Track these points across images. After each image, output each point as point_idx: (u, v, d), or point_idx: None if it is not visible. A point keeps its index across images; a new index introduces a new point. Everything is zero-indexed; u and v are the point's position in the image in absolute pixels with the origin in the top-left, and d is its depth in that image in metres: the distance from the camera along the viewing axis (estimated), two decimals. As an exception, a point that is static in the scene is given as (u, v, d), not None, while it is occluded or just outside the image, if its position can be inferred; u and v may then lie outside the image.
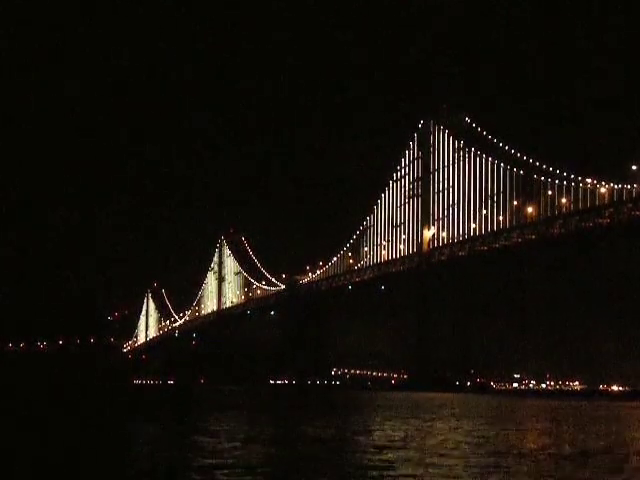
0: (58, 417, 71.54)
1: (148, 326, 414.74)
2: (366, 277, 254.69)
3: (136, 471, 34.31)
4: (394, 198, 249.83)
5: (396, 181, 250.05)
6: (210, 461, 36.02)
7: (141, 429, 58.16)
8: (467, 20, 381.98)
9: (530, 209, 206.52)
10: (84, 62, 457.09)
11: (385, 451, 41.22)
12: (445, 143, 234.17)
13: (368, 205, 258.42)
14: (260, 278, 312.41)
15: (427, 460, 37.18)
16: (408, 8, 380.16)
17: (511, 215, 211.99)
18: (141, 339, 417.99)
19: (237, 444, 44.20)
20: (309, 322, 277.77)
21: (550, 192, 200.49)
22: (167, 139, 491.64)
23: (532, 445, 47.27)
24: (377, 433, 54.35)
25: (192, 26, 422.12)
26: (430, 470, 33.81)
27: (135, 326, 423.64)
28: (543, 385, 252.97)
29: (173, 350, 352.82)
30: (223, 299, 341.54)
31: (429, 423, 65.83)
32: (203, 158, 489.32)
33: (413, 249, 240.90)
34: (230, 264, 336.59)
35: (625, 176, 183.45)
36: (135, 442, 47.43)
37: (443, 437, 50.71)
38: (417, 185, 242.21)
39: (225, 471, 32.96)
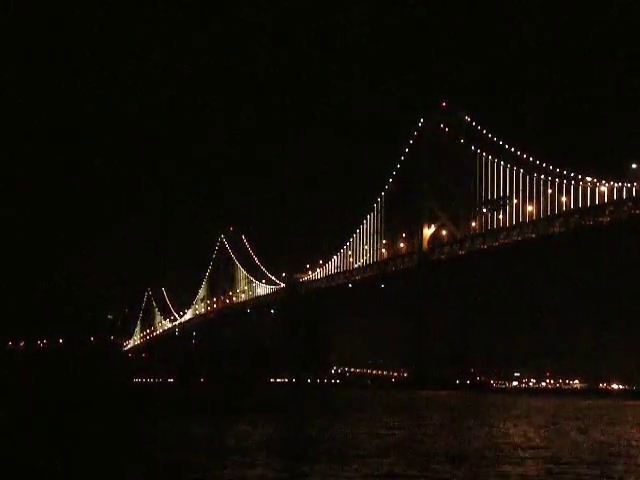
0: (58, 416, 71.53)
1: (148, 325, 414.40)
2: (366, 275, 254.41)
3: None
4: (394, 196, 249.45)
5: (396, 179, 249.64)
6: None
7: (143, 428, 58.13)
8: (467, 19, 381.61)
9: (530, 208, 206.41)
10: (84, 62, 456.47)
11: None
12: (445, 141, 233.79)
13: (368, 203, 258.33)
14: (260, 277, 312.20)
15: None
16: (408, 8, 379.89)
17: (511, 214, 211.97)
18: (141, 338, 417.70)
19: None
20: (309, 321, 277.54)
21: (550, 190, 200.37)
22: (167, 140, 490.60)
23: None
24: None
25: (192, 26, 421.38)
26: None
27: (135, 325, 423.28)
28: (543, 383, 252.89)
29: (173, 349, 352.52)
30: (223, 298, 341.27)
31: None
32: (203, 158, 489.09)
33: (413, 247, 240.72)
34: (230, 263, 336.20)
35: (625, 174, 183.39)
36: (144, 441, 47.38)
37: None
38: (417, 183, 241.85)
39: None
